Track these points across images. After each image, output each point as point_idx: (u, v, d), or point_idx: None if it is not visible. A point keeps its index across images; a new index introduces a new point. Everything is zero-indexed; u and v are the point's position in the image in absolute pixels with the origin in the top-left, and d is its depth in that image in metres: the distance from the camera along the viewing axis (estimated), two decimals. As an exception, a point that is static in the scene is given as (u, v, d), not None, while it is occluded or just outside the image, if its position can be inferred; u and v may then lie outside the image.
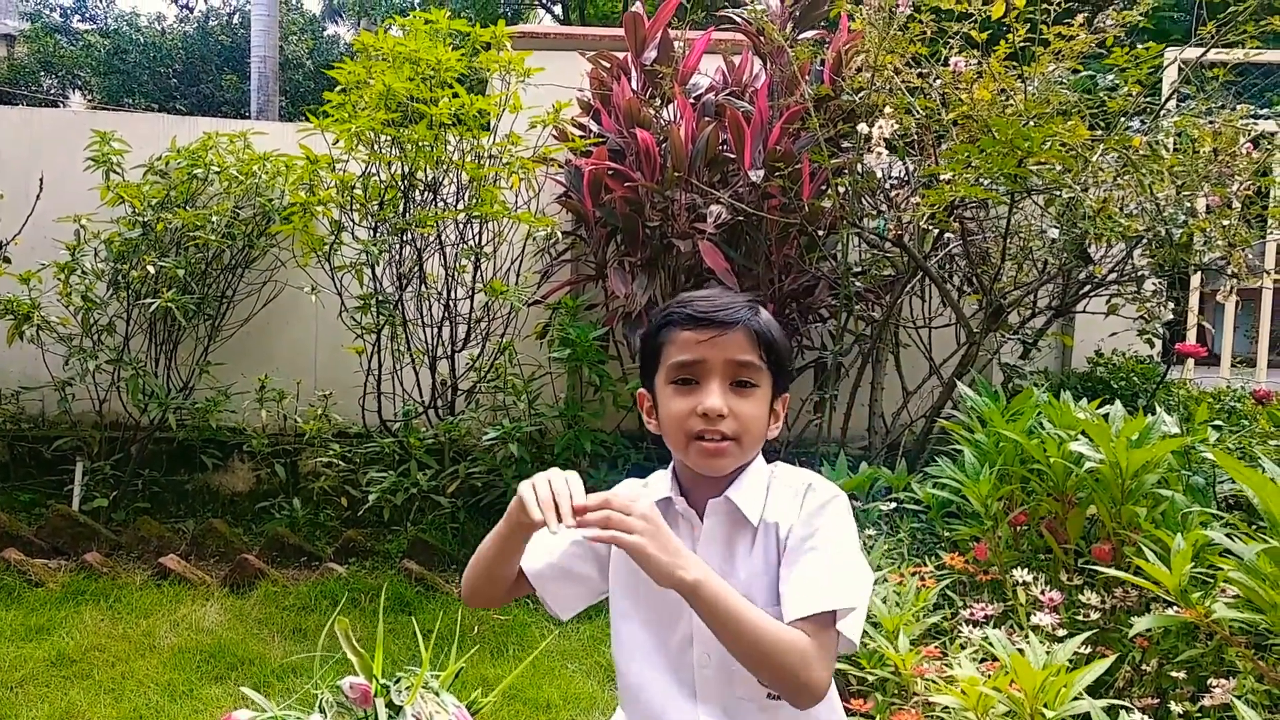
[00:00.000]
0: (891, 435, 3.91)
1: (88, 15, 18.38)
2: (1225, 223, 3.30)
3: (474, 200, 4.17)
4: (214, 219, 4.23)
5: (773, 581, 1.25)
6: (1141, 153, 3.18)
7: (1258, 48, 3.31)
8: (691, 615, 1.22)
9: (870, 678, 2.02)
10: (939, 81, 3.33)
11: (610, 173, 4.02)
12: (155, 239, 4.24)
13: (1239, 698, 1.75)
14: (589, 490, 1.17)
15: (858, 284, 3.94)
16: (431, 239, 4.26)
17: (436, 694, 0.92)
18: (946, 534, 2.69)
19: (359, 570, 3.81)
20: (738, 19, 4.18)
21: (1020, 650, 1.67)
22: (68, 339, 4.24)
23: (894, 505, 2.84)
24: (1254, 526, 1.91)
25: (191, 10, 17.75)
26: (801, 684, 1.14)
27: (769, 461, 1.34)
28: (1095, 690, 1.90)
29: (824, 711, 1.26)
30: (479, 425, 4.15)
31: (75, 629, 3.21)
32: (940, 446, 3.33)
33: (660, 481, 1.34)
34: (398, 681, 0.92)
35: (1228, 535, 1.85)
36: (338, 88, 4.07)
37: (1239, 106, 3.45)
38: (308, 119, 4.13)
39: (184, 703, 2.76)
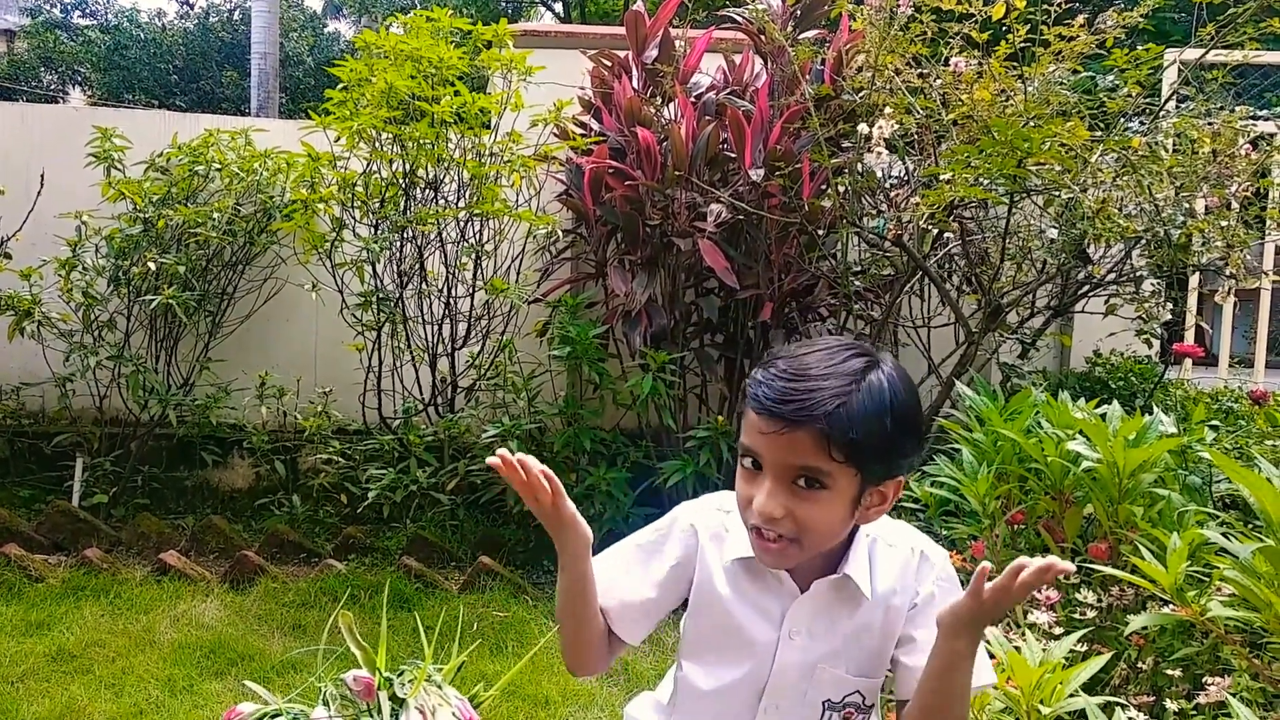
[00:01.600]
0: (890, 434, 3.92)
1: (88, 11, 18.37)
2: (1224, 224, 3.30)
3: (475, 198, 4.18)
4: (215, 216, 4.24)
5: (875, 652, 1.21)
6: (1141, 154, 3.19)
7: (1257, 49, 3.32)
8: (772, 667, 1.19)
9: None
10: (939, 82, 3.33)
11: (611, 171, 4.02)
12: (156, 235, 4.25)
13: (1234, 695, 1.76)
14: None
15: (857, 283, 3.95)
16: (432, 236, 4.27)
17: (439, 687, 0.93)
18: (945, 532, 2.70)
19: (358, 567, 3.82)
20: (739, 18, 4.19)
21: (1017, 648, 1.68)
22: (68, 335, 4.25)
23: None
24: (1250, 526, 1.92)
25: (192, 6, 17.75)
26: None
27: None
28: (1091, 687, 1.91)
29: None
30: (479, 423, 4.16)
31: (75, 624, 3.22)
32: (939, 445, 3.34)
33: (738, 530, 1.20)
34: (400, 675, 0.93)
35: (1224, 534, 1.86)
36: (339, 85, 4.08)
37: (1238, 108, 3.46)
38: (309, 116, 4.14)
39: (184, 698, 2.77)
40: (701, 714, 1.25)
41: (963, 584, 1.11)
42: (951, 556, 2.45)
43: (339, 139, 4.11)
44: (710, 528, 1.26)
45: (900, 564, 1.20)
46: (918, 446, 1.14)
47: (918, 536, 1.24)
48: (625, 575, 1.27)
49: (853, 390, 1.06)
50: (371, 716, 0.86)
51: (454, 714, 0.87)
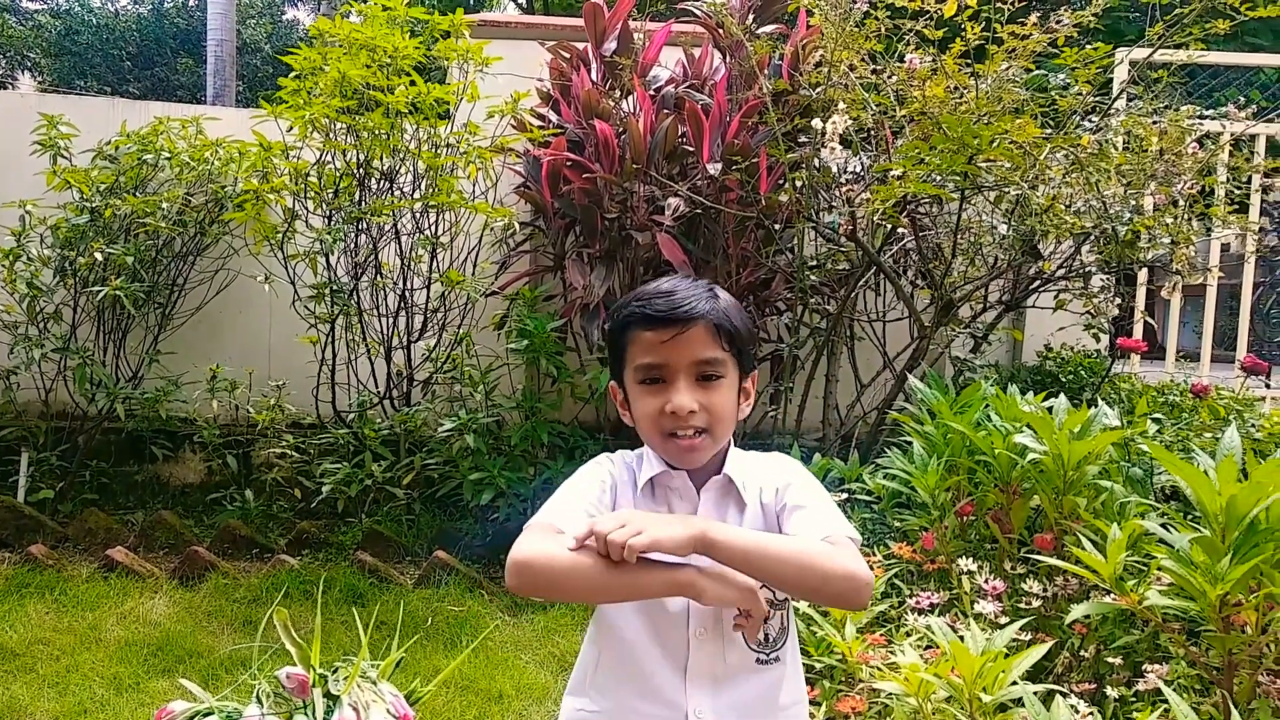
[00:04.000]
0: (845, 427, 3.96)
1: (38, -5, 17.96)
2: (1169, 220, 3.37)
3: (431, 190, 4.14)
4: (164, 205, 4.16)
5: None
6: (1090, 151, 3.24)
7: (1203, 50, 3.38)
8: (688, 609, 1.24)
9: (818, 665, 2.05)
10: (893, 78, 3.36)
11: (569, 164, 4.01)
12: (104, 225, 4.16)
13: (1170, 683, 1.80)
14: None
15: (813, 278, 3.97)
16: (387, 228, 4.23)
17: (374, 683, 0.92)
18: (896, 524, 2.73)
19: (312, 562, 3.78)
20: (698, 12, 4.19)
21: (961, 638, 1.71)
22: (12, 327, 4.15)
23: (845, 496, 2.88)
24: (1188, 517, 1.96)
25: (145, -8, 17.42)
26: (854, 574, 1.16)
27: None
28: (1035, 676, 1.94)
29: (791, 674, 1.30)
30: (435, 416, 4.13)
31: (18, 622, 3.15)
32: (892, 438, 3.38)
33: (650, 459, 1.33)
34: (335, 671, 0.92)
35: (1163, 525, 1.90)
36: (292, 74, 4.02)
37: (1184, 107, 3.52)
38: (262, 105, 4.08)
39: (130, 696, 2.72)
40: (631, 661, 1.26)
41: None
42: (901, 548, 2.49)
43: (292, 128, 4.05)
44: (623, 467, 1.36)
45: (761, 468, 1.34)
46: (756, 348, 1.33)
47: (772, 454, 1.39)
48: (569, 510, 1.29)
49: (714, 295, 1.28)
50: (305, 713, 0.85)
51: (388, 710, 0.86)
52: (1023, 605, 2.13)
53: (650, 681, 1.24)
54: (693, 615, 1.25)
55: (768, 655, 1.26)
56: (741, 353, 1.28)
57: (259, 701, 0.88)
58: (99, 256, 4.04)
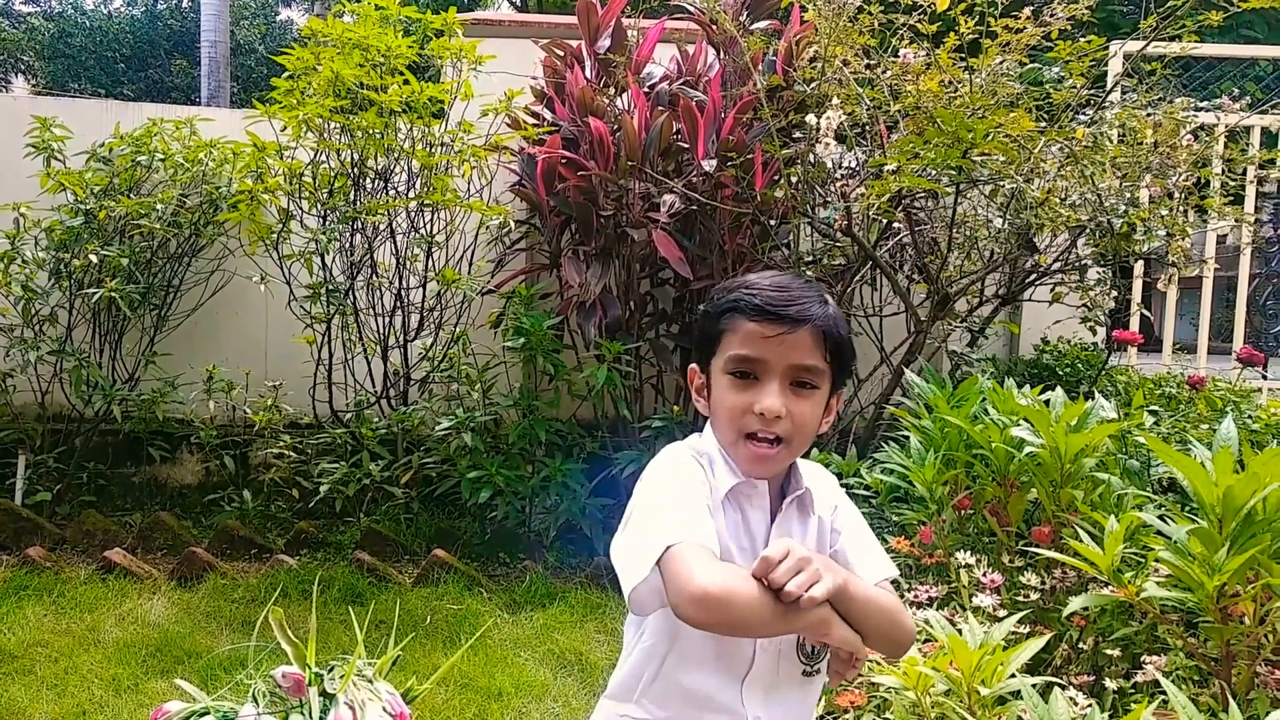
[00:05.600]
0: (842, 422, 3.96)
1: (31, -2, 17.93)
2: (1164, 213, 3.37)
3: (426, 188, 4.14)
4: (159, 207, 4.15)
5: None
6: (1085, 144, 3.24)
7: (1197, 42, 3.38)
8: None
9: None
10: (887, 73, 3.36)
11: (564, 161, 4.00)
12: (98, 227, 4.15)
13: (1168, 674, 1.81)
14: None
15: (809, 273, 3.96)
16: (382, 227, 4.22)
17: (370, 681, 0.92)
18: (894, 518, 2.73)
19: (310, 562, 3.77)
20: (691, 8, 4.18)
21: (959, 631, 1.71)
22: (8, 330, 4.14)
23: (844, 491, 2.87)
24: (1185, 508, 1.96)
25: (139, -7, 17.38)
26: (909, 636, 1.21)
27: None
28: (1034, 668, 1.94)
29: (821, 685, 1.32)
30: (433, 415, 4.13)
31: (17, 625, 3.15)
32: (890, 433, 3.38)
33: (721, 465, 1.25)
34: (331, 670, 0.91)
35: (1160, 517, 1.90)
36: (286, 74, 4.01)
37: (1179, 99, 3.52)
38: (255, 106, 4.07)
39: (128, 697, 2.72)
40: (694, 671, 1.23)
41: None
42: (900, 542, 2.49)
43: (285, 128, 4.04)
44: (695, 464, 1.28)
45: (819, 486, 1.31)
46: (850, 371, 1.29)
47: (815, 465, 1.36)
48: (702, 521, 1.21)
49: (826, 299, 1.22)
50: (301, 712, 0.84)
51: (384, 708, 0.85)
52: (1021, 598, 2.13)
53: (710, 691, 1.23)
54: None
55: (812, 667, 1.26)
56: (841, 368, 1.23)
57: (255, 701, 0.88)
58: (94, 258, 4.03)
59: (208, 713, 0.87)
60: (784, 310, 1.17)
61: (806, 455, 1.34)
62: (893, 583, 1.30)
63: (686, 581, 1.07)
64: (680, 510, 1.17)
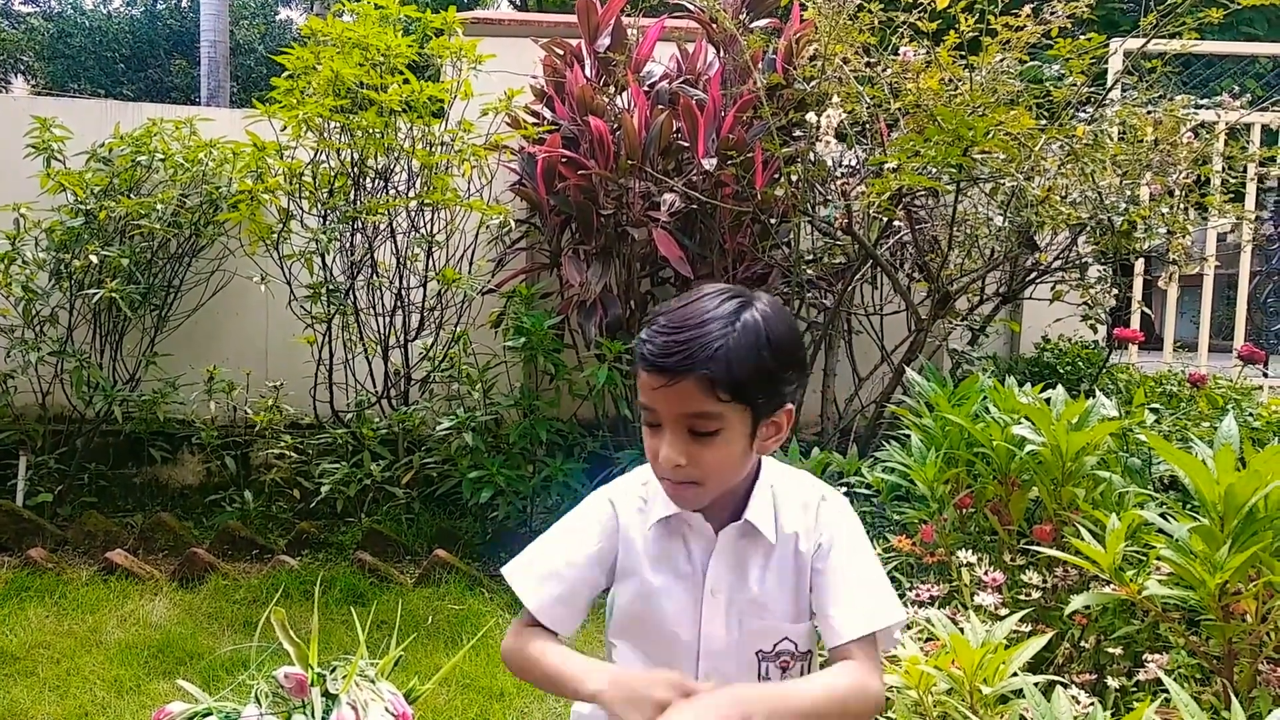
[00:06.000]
0: (844, 420, 3.96)
1: (30, -2, 17.93)
2: (1165, 210, 3.37)
3: (426, 188, 4.14)
4: (159, 207, 4.15)
5: (792, 594, 1.23)
6: (1085, 142, 3.24)
7: (1197, 39, 3.38)
8: (700, 631, 1.22)
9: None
10: (888, 71, 3.35)
11: (564, 160, 4.00)
12: (98, 228, 4.15)
13: (1170, 672, 1.81)
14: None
15: (810, 272, 3.97)
16: (383, 227, 4.22)
17: (373, 681, 0.92)
18: (895, 517, 2.73)
19: (312, 562, 3.77)
20: (691, 7, 4.18)
21: (961, 630, 1.70)
22: (9, 330, 4.14)
23: (844, 490, 2.87)
24: (1186, 506, 1.96)
25: (138, -7, 17.38)
26: (870, 707, 1.14)
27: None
28: (1036, 667, 1.94)
29: None
30: (433, 415, 4.13)
31: (19, 626, 3.15)
32: (891, 431, 3.38)
33: (661, 495, 1.24)
34: (334, 671, 0.91)
35: (1162, 515, 1.89)
36: (286, 74, 4.01)
37: (1179, 97, 3.52)
38: (255, 105, 4.07)
39: (131, 698, 2.72)
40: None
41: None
42: (901, 540, 2.49)
43: (285, 128, 4.04)
44: (631, 503, 1.29)
45: (801, 507, 1.24)
46: (800, 374, 1.22)
47: (817, 483, 1.29)
48: (551, 568, 1.28)
49: (729, 332, 1.12)
50: (304, 712, 0.85)
51: (386, 708, 0.86)
52: (1022, 597, 2.13)
53: None
54: (701, 666, 1.23)
55: (784, 677, 1.22)
56: (753, 400, 1.14)
57: (257, 701, 0.88)
58: (94, 259, 4.03)
59: (210, 713, 0.87)
60: (664, 362, 1.12)
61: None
62: (900, 597, 1.26)
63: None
64: (546, 542, 1.28)
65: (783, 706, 1.07)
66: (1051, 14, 3.25)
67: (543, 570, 1.27)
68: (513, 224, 4.38)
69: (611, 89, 4.16)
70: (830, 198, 3.70)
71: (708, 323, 1.12)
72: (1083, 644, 2.07)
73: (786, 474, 1.29)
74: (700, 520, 1.23)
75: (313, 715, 0.82)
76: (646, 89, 4.13)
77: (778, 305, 1.19)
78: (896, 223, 3.82)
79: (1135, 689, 1.88)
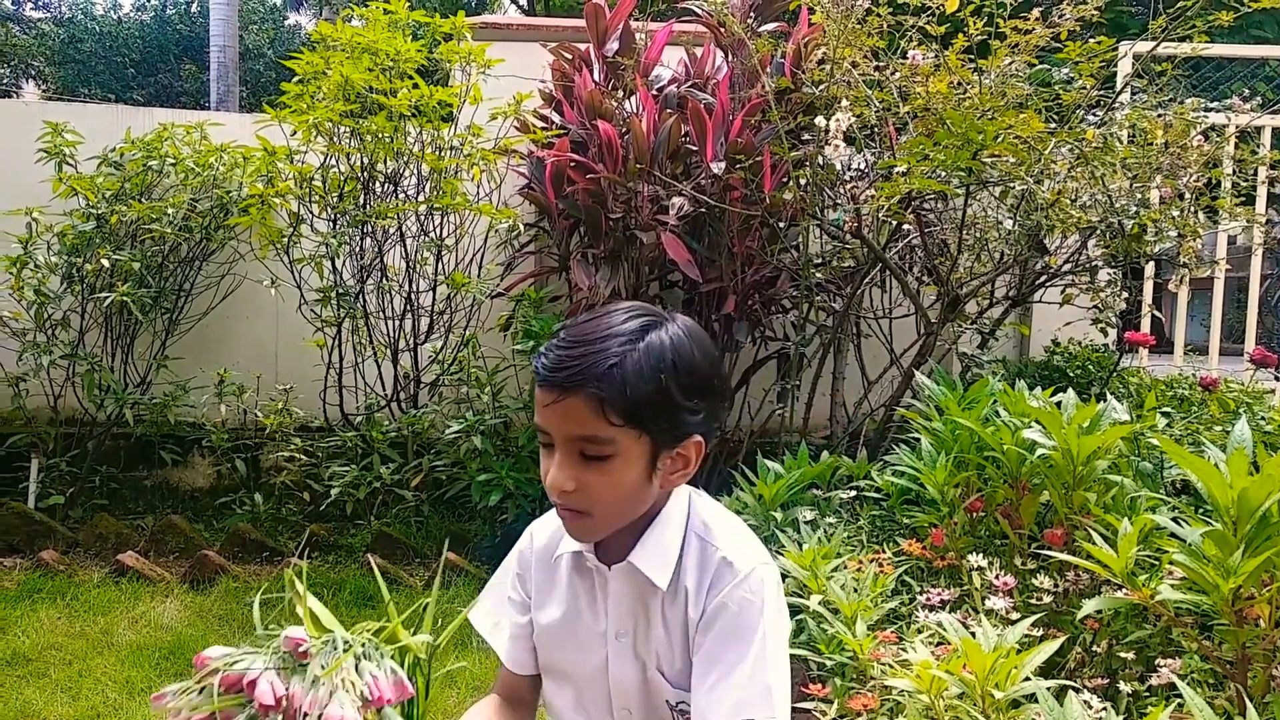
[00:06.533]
0: (853, 424, 3.95)
1: (41, 3, 18.02)
2: (1175, 213, 3.36)
3: (435, 192, 4.15)
4: (170, 211, 4.17)
5: (684, 649, 1.14)
6: (1095, 145, 3.23)
7: (1207, 42, 3.37)
8: (608, 673, 1.18)
9: (829, 663, 2.05)
10: (896, 75, 3.35)
11: (572, 164, 4.01)
12: (110, 232, 4.17)
13: (1185, 676, 1.80)
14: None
15: (819, 275, 3.97)
16: (392, 231, 4.24)
17: (379, 652, 0.93)
18: (905, 521, 2.72)
19: (322, 565, 3.79)
20: (699, 11, 4.18)
21: (972, 634, 1.70)
22: (20, 334, 4.16)
23: (854, 493, 2.87)
24: (1199, 511, 1.95)
25: (148, -1, 17.45)
26: None
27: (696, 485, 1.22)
28: (1047, 671, 1.94)
29: None
30: (443, 418, 4.14)
31: (31, 628, 3.17)
32: (900, 435, 3.37)
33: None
34: (338, 645, 0.93)
35: (1174, 519, 1.89)
36: (295, 78, 4.02)
37: (1189, 100, 3.51)
38: (265, 110, 4.09)
39: (142, 700, 2.73)
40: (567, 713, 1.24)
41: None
42: (911, 544, 2.48)
43: (295, 133, 4.06)
44: (547, 534, 1.24)
45: (702, 565, 1.12)
46: (710, 405, 1.10)
47: (738, 542, 1.14)
48: (497, 614, 1.29)
49: (628, 351, 1.02)
50: (301, 675, 0.87)
51: (364, 692, 0.87)
52: (1034, 601, 2.13)
53: None
54: (614, 695, 1.19)
55: None
56: (652, 427, 1.05)
57: (271, 654, 0.90)
58: (106, 263, 4.05)
59: (246, 659, 0.90)
60: (553, 377, 1.03)
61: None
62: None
63: None
64: (492, 609, 1.30)
65: None
66: (1060, 17, 3.25)
67: (492, 617, 1.29)
68: (521, 228, 4.39)
69: (620, 93, 4.17)
70: (839, 201, 3.70)
71: (607, 339, 1.03)
72: (1095, 649, 2.07)
73: (720, 524, 1.16)
74: (595, 561, 1.16)
75: (306, 682, 0.84)
76: (655, 93, 4.14)
77: (694, 329, 1.09)
78: (906, 226, 3.82)
79: (1148, 694, 1.88)
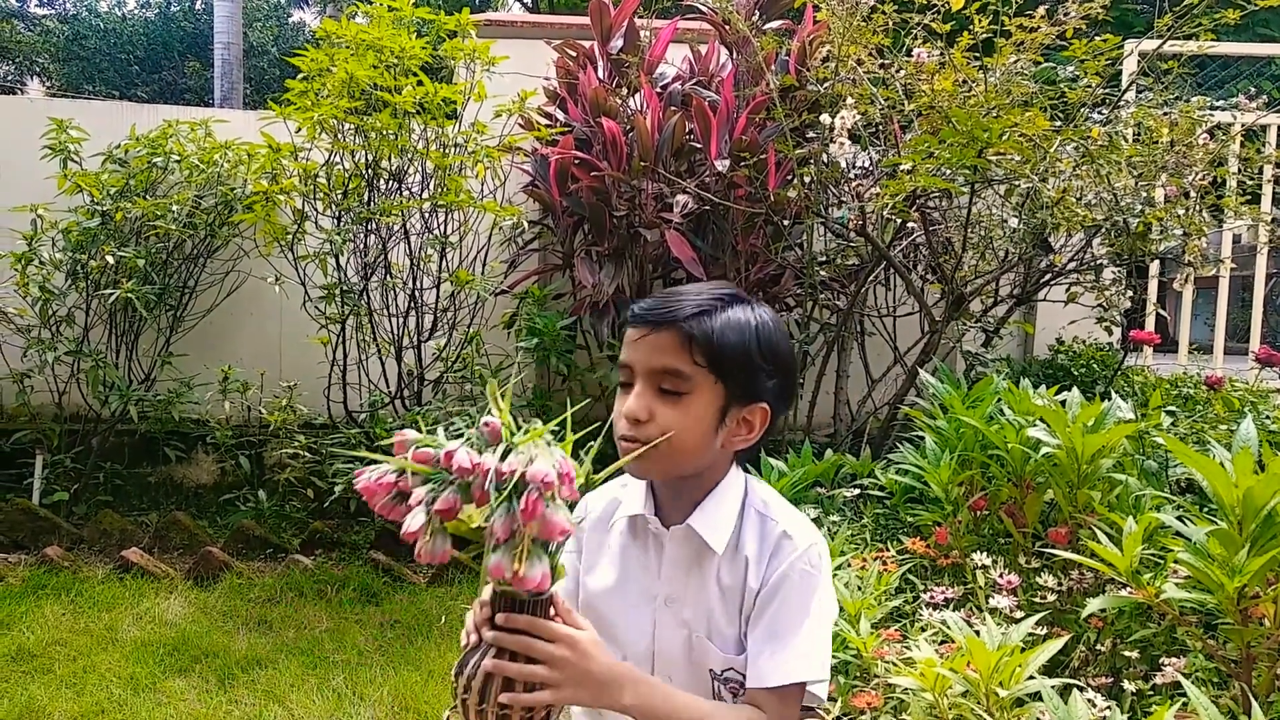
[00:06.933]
0: (857, 422, 3.95)
1: (45, 0, 18.03)
2: (1181, 212, 3.35)
3: (439, 189, 4.15)
4: (175, 208, 4.17)
5: (736, 617, 1.20)
6: (1100, 143, 3.22)
7: (1214, 40, 3.36)
8: (654, 637, 1.21)
9: (832, 661, 2.05)
10: (901, 73, 3.35)
11: (577, 162, 4.01)
12: (114, 229, 4.18)
13: (1189, 676, 1.80)
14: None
15: (823, 273, 3.96)
16: (396, 228, 4.24)
17: (549, 446, 0.99)
18: (909, 519, 2.72)
19: (326, 562, 3.79)
20: (704, 8, 4.18)
21: (976, 632, 1.70)
22: (25, 330, 4.17)
23: (858, 491, 2.87)
24: (1204, 509, 1.95)
25: (152, -5, 17.47)
26: None
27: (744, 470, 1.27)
28: (1051, 670, 1.94)
29: None
30: (446, 415, 4.13)
31: (36, 624, 3.17)
32: (904, 433, 3.37)
33: (635, 495, 1.26)
34: (523, 429, 1.02)
35: (1179, 518, 1.89)
36: (300, 75, 4.02)
37: (1195, 98, 3.50)
38: (270, 107, 4.09)
39: (146, 696, 2.74)
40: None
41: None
42: (915, 543, 2.48)
43: (300, 130, 4.06)
44: (603, 502, 1.29)
45: (763, 538, 1.19)
46: (781, 378, 1.18)
47: (793, 519, 1.22)
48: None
49: (717, 307, 1.13)
50: (492, 451, 0.96)
51: (554, 464, 0.94)
52: (1038, 599, 2.13)
53: None
54: (657, 664, 1.21)
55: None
56: (728, 376, 1.13)
57: (468, 441, 0.98)
58: (110, 259, 4.05)
59: (441, 445, 0.97)
60: (649, 314, 1.14)
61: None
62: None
63: None
64: None
65: (660, 708, 1.07)
66: (1066, 15, 3.24)
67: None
68: (526, 225, 4.39)
69: (624, 90, 4.17)
70: (844, 199, 3.70)
71: (700, 295, 1.15)
72: (1099, 647, 2.07)
73: (776, 501, 1.24)
74: (657, 524, 1.22)
75: (497, 455, 0.94)
76: (659, 90, 4.14)
77: (774, 315, 1.19)
78: (910, 224, 3.81)
79: (1152, 693, 1.88)
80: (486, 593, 1.02)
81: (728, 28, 4.01)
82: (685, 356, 1.11)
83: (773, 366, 1.16)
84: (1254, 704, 1.37)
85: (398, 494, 0.97)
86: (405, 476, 0.97)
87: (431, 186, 4.21)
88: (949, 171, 3.25)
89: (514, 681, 0.98)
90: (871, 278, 4.02)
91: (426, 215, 4.27)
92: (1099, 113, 3.54)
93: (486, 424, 0.98)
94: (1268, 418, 3.09)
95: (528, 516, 0.92)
